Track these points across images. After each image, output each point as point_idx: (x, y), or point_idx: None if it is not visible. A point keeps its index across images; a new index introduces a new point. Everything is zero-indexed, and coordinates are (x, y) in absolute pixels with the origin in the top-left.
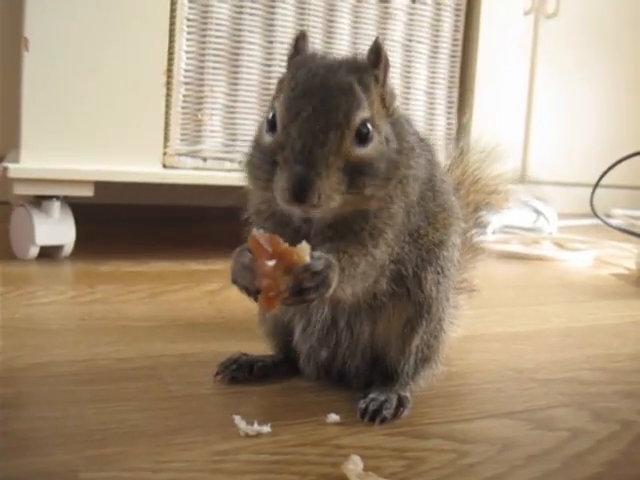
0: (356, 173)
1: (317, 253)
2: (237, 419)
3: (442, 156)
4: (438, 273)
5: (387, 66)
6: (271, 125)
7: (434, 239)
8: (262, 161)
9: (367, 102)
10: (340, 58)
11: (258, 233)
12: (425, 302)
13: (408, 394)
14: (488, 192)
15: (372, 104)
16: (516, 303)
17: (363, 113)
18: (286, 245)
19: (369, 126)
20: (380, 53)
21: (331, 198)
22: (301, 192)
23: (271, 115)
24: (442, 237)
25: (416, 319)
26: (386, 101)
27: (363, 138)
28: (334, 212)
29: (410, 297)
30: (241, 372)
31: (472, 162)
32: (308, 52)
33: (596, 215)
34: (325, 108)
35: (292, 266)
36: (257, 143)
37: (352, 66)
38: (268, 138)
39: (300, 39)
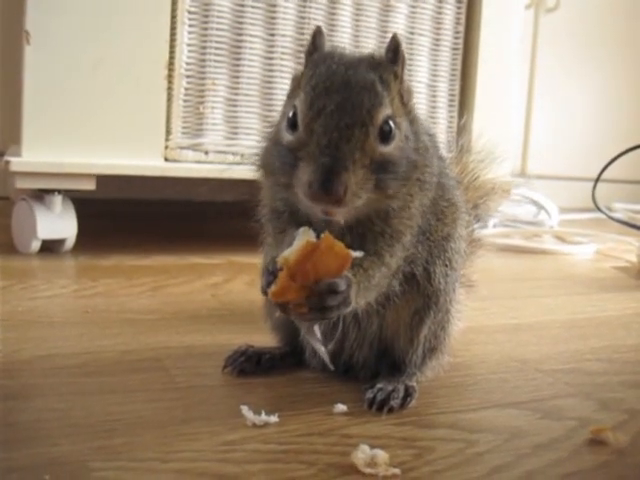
0: (380, 172)
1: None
2: (244, 409)
3: (444, 149)
4: (446, 266)
5: (404, 63)
6: (291, 123)
7: (443, 233)
8: (282, 160)
9: (388, 99)
10: (358, 55)
11: (305, 235)
12: (433, 294)
13: (415, 384)
14: (486, 191)
15: (392, 101)
16: (518, 295)
17: (386, 110)
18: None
19: (392, 124)
20: (398, 50)
21: (357, 195)
22: (327, 183)
23: (291, 114)
24: (450, 230)
25: (424, 310)
26: (404, 98)
27: (386, 136)
28: (355, 213)
29: (419, 290)
30: (249, 364)
31: (471, 161)
32: (326, 49)
33: (598, 208)
34: (348, 105)
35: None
36: (275, 142)
37: (371, 63)
38: (288, 137)
39: (318, 35)
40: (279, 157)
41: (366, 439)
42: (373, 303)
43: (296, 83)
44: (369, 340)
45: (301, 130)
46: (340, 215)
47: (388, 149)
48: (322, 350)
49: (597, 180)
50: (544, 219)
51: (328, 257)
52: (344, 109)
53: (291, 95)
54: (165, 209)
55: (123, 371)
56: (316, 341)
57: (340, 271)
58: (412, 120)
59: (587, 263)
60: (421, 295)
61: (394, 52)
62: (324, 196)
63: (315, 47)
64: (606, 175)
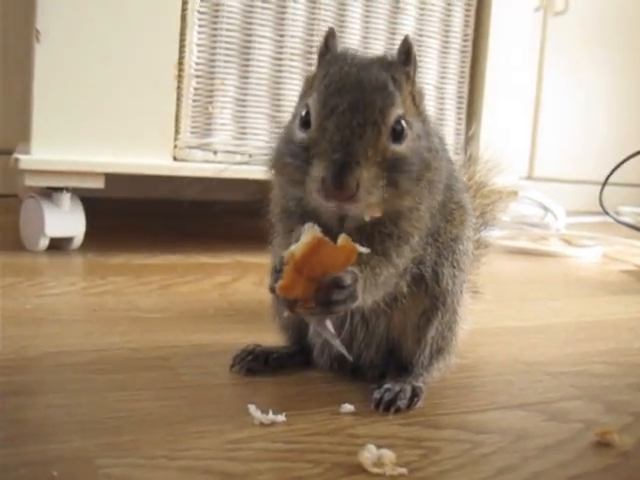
0: (392, 170)
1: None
2: (252, 408)
3: (452, 152)
4: (454, 267)
5: (416, 65)
6: (304, 122)
7: (451, 235)
8: (294, 158)
9: (400, 99)
10: (370, 56)
11: (311, 230)
12: (441, 295)
13: (422, 385)
14: (492, 199)
15: (404, 101)
16: (525, 298)
17: (398, 110)
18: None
19: (403, 123)
20: (410, 51)
21: (369, 192)
22: (340, 178)
23: (304, 112)
24: (458, 232)
25: (432, 311)
26: (416, 99)
27: (398, 135)
28: (369, 215)
29: (427, 291)
30: (257, 363)
31: (478, 170)
32: (339, 50)
33: (605, 211)
34: (361, 104)
35: (321, 278)
36: (287, 140)
37: (384, 64)
38: (301, 135)
39: (330, 37)
40: (291, 155)
41: (373, 439)
42: (380, 303)
43: (308, 84)
44: (377, 341)
45: (314, 128)
46: (354, 211)
47: (400, 148)
48: (337, 342)
49: (604, 183)
50: (551, 222)
51: (334, 251)
52: (356, 108)
53: (303, 96)
54: (173, 208)
55: (131, 369)
56: (330, 335)
57: (346, 265)
58: (423, 121)
59: (594, 266)
60: (429, 296)
61: (406, 54)
62: (337, 192)
63: (327, 48)
64: (613, 178)
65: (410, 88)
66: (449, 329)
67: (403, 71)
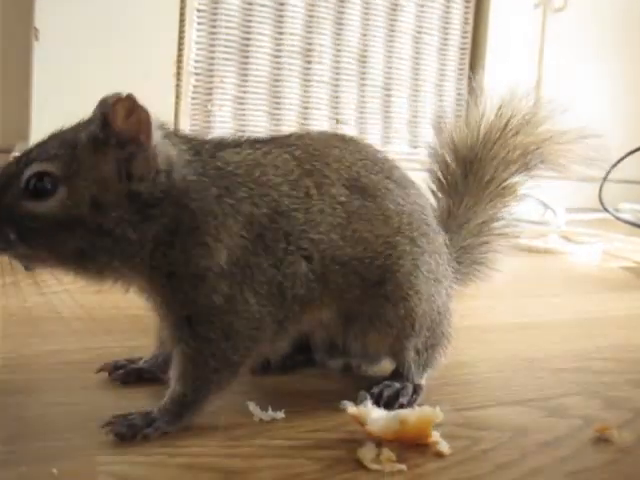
0: (27, 227)
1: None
2: (251, 405)
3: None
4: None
5: (126, 128)
6: None
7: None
8: None
9: (61, 158)
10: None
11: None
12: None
13: (423, 382)
14: (541, 138)
15: (73, 162)
16: (525, 294)
17: (40, 166)
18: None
19: (43, 181)
20: (106, 114)
21: None
22: None
23: None
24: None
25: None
26: (130, 165)
27: (33, 192)
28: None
29: None
30: (260, 363)
31: (523, 108)
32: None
33: (605, 209)
34: (12, 161)
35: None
36: None
37: (87, 124)
38: None
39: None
40: None
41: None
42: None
43: None
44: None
45: None
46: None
47: (39, 206)
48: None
49: (604, 180)
50: (551, 219)
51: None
52: (7, 165)
53: None
54: None
55: None
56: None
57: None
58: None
59: (594, 263)
60: None
61: (100, 116)
62: None
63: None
64: (613, 175)
65: (106, 151)
66: (437, 324)
67: (91, 133)
